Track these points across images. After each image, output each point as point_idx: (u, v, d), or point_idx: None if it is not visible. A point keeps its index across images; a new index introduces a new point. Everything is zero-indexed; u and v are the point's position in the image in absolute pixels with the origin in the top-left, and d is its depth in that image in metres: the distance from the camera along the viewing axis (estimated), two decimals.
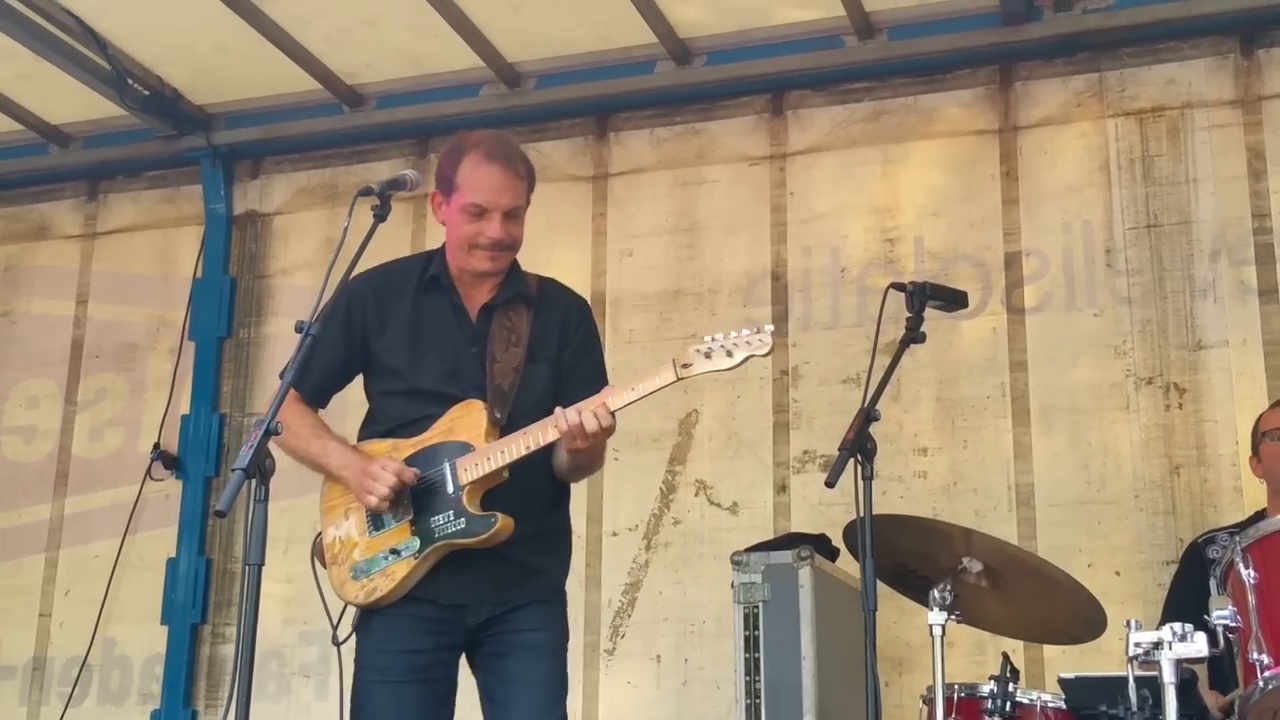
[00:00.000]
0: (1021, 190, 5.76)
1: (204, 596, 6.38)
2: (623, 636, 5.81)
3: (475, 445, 3.57)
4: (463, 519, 3.53)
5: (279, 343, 6.58)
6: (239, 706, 2.96)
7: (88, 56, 6.09)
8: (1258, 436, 4.64)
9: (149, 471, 6.57)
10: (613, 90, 6.27)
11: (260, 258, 6.80)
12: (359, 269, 3.49)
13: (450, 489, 3.55)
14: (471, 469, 3.55)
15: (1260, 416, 4.71)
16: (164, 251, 6.96)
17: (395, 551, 3.56)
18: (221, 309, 6.72)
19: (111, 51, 6.12)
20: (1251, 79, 5.57)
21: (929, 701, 3.74)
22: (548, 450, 3.63)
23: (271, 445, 3.37)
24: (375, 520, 3.60)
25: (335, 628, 3.61)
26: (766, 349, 3.46)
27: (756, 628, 4.55)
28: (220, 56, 6.22)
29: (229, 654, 6.21)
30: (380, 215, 3.48)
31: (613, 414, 3.50)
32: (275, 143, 6.76)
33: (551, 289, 3.92)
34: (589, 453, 3.60)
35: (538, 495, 3.69)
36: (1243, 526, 4.29)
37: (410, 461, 3.59)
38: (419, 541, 3.55)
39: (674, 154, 6.30)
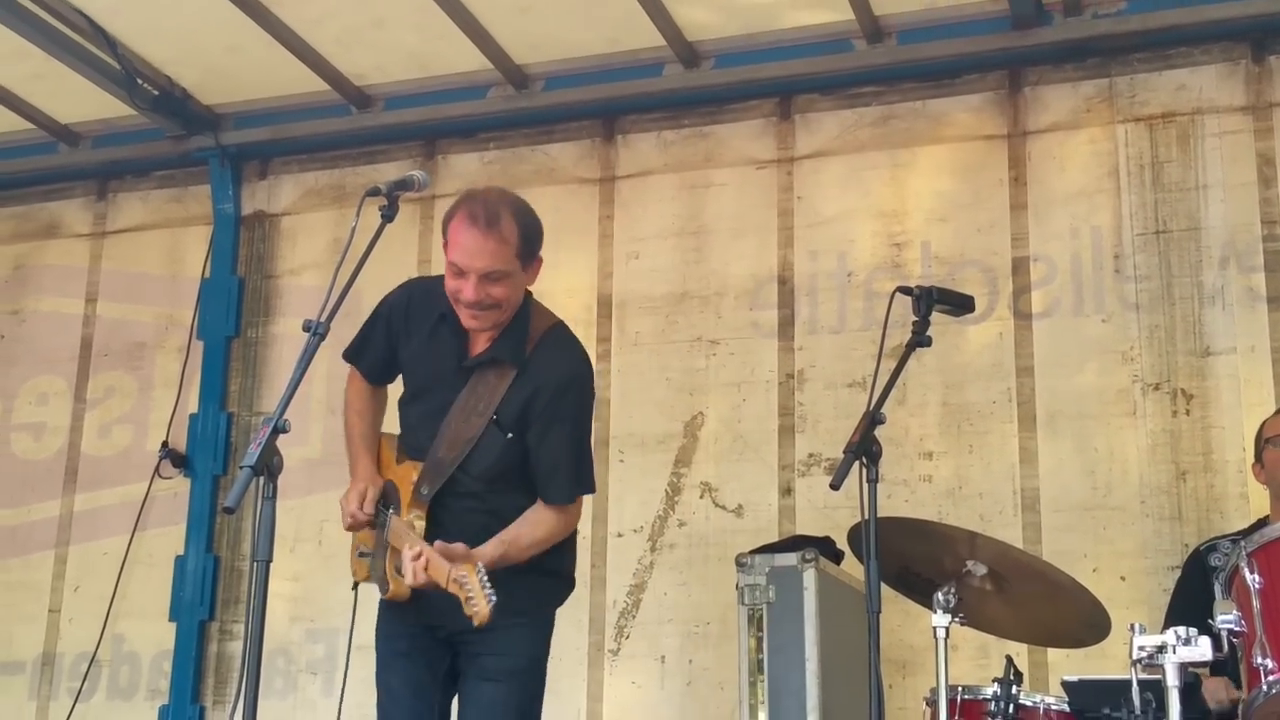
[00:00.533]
0: (1030, 195, 5.76)
1: (212, 594, 6.41)
2: (627, 637, 5.82)
3: (399, 508, 3.82)
4: (380, 565, 3.83)
5: (286, 342, 6.60)
6: (246, 702, 2.98)
7: (98, 56, 6.11)
8: (1261, 443, 4.64)
9: (157, 469, 6.59)
10: (620, 93, 6.27)
11: (268, 258, 6.82)
12: (366, 269, 3.50)
13: (384, 533, 3.82)
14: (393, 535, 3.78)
15: (1264, 423, 4.70)
16: (172, 251, 6.98)
17: (365, 554, 3.91)
18: (229, 309, 6.74)
19: (121, 51, 6.13)
20: (1263, 85, 5.57)
21: (932, 703, 3.75)
22: (520, 485, 3.80)
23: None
24: (378, 515, 3.86)
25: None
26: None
27: (761, 629, 4.56)
28: (230, 57, 6.24)
29: (237, 650, 6.23)
30: (388, 216, 3.51)
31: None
32: (283, 143, 6.77)
33: (546, 354, 3.88)
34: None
35: (504, 522, 3.78)
36: (1245, 534, 4.30)
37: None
38: (372, 555, 3.87)
39: (681, 157, 6.30)
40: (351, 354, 4.07)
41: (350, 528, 3.85)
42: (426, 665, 3.84)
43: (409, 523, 3.73)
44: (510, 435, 3.76)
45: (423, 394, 3.90)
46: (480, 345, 3.84)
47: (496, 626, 3.56)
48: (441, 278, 3.83)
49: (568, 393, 3.85)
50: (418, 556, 3.52)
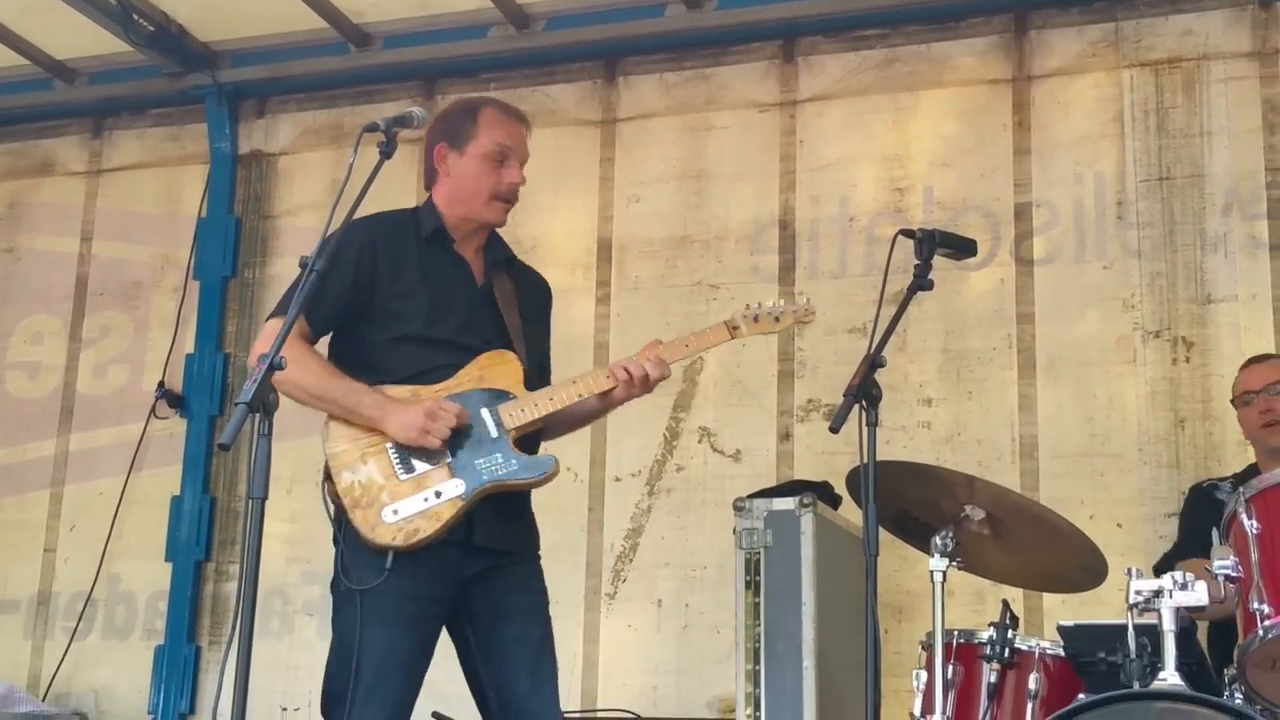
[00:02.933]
0: (1033, 141, 5.72)
1: (208, 534, 6.41)
2: (624, 581, 5.83)
3: (514, 393, 3.64)
4: (514, 461, 3.59)
5: (283, 283, 6.46)
6: (242, 643, 2.96)
7: None
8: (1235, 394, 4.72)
9: (153, 410, 6.58)
10: (622, 33, 6.22)
11: (265, 198, 6.78)
12: (364, 207, 3.46)
13: (494, 433, 3.59)
14: (518, 414, 3.61)
15: (1235, 379, 4.75)
16: (169, 190, 6.94)
17: (438, 493, 3.54)
18: (226, 249, 6.71)
19: None
20: (1269, 31, 5.52)
21: (928, 647, 3.75)
22: None
23: (280, 384, 3.34)
24: (405, 463, 3.57)
25: (341, 568, 3.55)
26: (810, 318, 3.85)
27: (758, 573, 4.56)
28: None
29: (232, 591, 6.24)
30: (386, 152, 3.44)
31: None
32: (281, 82, 6.72)
33: (520, 263, 4.01)
34: (616, 406, 3.79)
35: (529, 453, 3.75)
36: (1240, 478, 4.31)
37: None
38: (464, 483, 3.55)
39: (683, 99, 6.25)
40: (301, 311, 3.36)
41: (446, 438, 3.54)
42: (434, 633, 3.64)
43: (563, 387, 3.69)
44: (538, 329, 3.89)
45: (445, 313, 3.71)
46: (473, 256, 3.82)
47: (526, 561, 3.74)
48: (377, 214, 3.77)
49: (551, 300, 4.05)
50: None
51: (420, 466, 3.57)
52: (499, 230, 3.90)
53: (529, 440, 3.72)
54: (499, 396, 3.64)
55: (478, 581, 3.63)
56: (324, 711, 3.55)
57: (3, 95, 7.02)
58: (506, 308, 3.79)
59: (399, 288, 3.72)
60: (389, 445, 3.58)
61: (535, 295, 3.95)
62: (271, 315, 3.74)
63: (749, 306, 3.77)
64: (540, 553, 3.82)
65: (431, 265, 3.74)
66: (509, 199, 3.80)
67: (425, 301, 3.70)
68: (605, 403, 3.76)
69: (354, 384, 3.64)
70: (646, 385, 3.68)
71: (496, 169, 3.76)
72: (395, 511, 3.53)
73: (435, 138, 3.85)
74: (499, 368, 3.67)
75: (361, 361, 3.72)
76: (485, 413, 3.61)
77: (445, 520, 3.52)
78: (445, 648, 3.67)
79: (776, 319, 3.77)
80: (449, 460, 3.57)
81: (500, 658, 3.64)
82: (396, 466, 3.57)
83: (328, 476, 3.63)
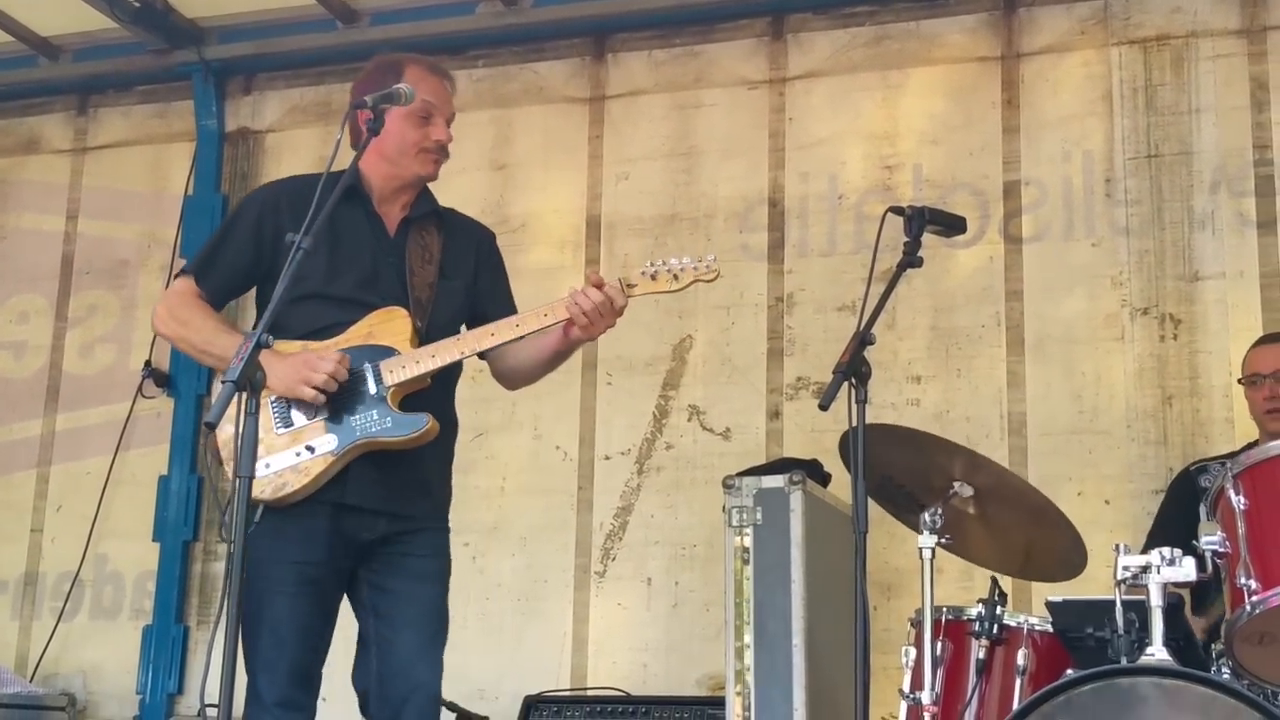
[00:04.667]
0: (1022, 119, 5.72)
1: (195, 514, 6.40)
2: (614, 559, 5.83)
3: (399, 350, 3.61)
4: (389, 418, 3.57)
5: None
6: (230, 622, 2.95)
7: None
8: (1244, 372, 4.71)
9: (140, 389, 6.56)
10: (611, 10, 6.21)
11: (252, 175, 6.73)
12: None
13: (373, 389, 3.58)
14: (399, 371, 3.59)
15: (1244, 358, 4.74)
16: (155, 167, 6.90)
17: (310, 448, 3.55)
18: (213, 227, 6.53)
19: None
20: (1257, 8, 5.52)
21: (917, 624, 3.76)
22: (452, 372, 3.76)
23: (163, 336, 3.64)
24: (283, 417, 3.58)
25: (223, 521, 3.31)
26: (712, 276, 3.68)
27: (747, 552, 4.55)
28: None
29: (220, 571, 6.22)
30: (374, 129, 3.45)
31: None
32: (268, 58, 6.69)
33: (458, 216, 4.00)
34: (580, 343, 3.73)
35: (443, 413, 3.73)
36: (1234, 456, 4.31)
37: None
38: (336, 439, 3.55)
39: (672, 76, 6.24)
40: (197, 267, 3.73)
41: (323, 387, 3.49)
42: (329, 597, 3.63)
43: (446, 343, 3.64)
44: (458, 283, 3.82)
45: (346, 270, 3.69)
46: (396, 214, 3.80)
47: (429, 528, 3.73)
48: (290, 177, 3.86)
49: (497, 248, 4.03)
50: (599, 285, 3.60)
51: (298, 421, 3.58)
52: (431, 186, 3.89)
53: (436, 400, 3.68)
54: (383, 353, 3.62)
55: (377, 545, 3.65)
56: None
57: None
58: (421, 263, 3.76)
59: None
60: (271, 399, 3.56)
61: (466, 247, 3.91)
62: (180, 274, 3.80)
63: (650, 264, 3.69)
64: (448, 524, 3.82)
65: (341, 222, 3.67)
66: (437, 151, 3.79)
67: (325, 259, 3.67)
68: (568, 343, 3.72)
69: (237, 337, 3.58)
70: (612, 313, 3.63)
71: (422, 125, 3.76)
72: (267, 465, 3.52)
73: (358, 95, 3.74)
74: (388, 324, 3.65)
75: (271, 325, 3.72)
76: (368, 369, 3.59)
77: (313, 475, 3.53)
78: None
79: (675, 276, 3.66)
80: (325, 416, 3.56)
81: (391, 618, 3.64)
82: (275, 420, 3.58)
83: (211, 431, 3.60)
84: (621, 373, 5.91)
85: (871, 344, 3.56)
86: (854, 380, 3.49)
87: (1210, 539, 3.28)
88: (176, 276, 3.81)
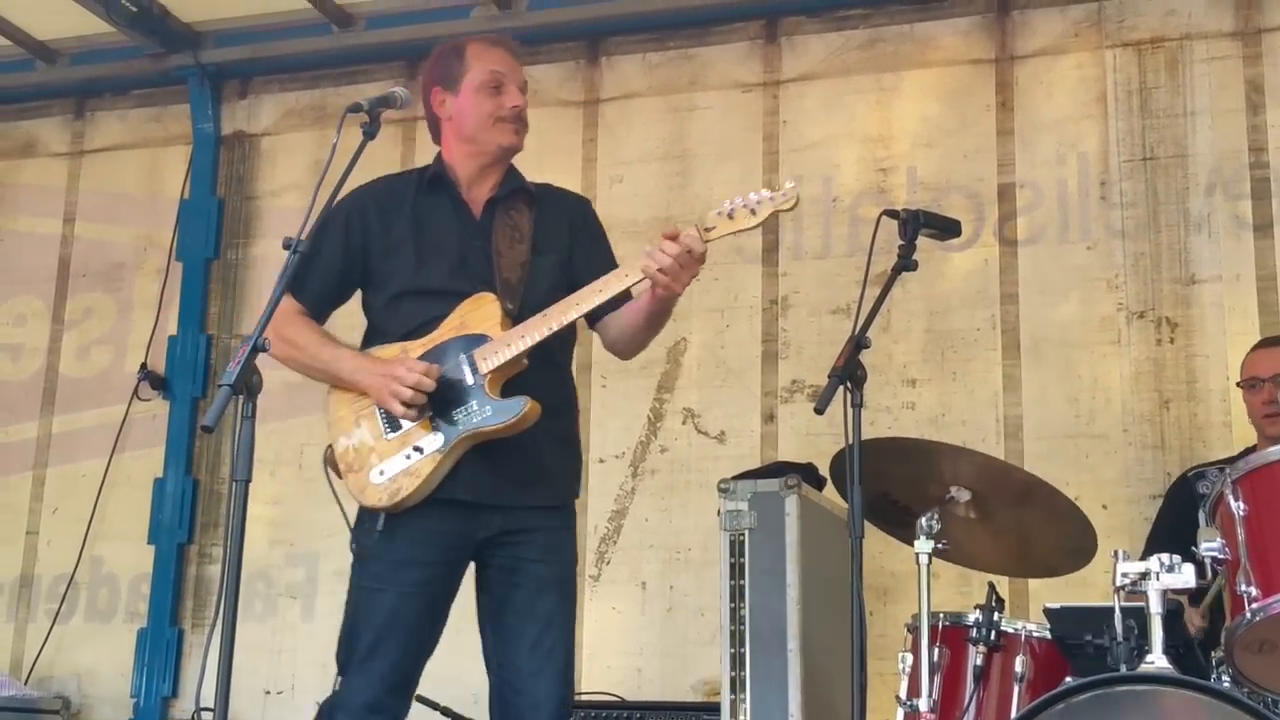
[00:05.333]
0: (1017, 121, 5.72)
1: (190, 517, 6.39)
2: (608, 563, 5.83)
3: (491, 336, 3.53)
4: (488, 406, 3.48)
5: (266, 264, 6.54)
6: (225, 626, 2.95)
7: None
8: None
9: (136, 391, 6.55)
10: (605, 13, 6.21)
11: (248, 179, 6.74)
12: (347, 188, 3.45)
13: (470, 380, 3.50)
14: (491, 357, 3.50)
15: (1243, 361, 4.74)
16: (151, 171, 6.90)
17: (418, 449, 3.48)
18: (209, 230, 6.67)
19: None
20: (1252, 11, 5.52)
21: (914, 630, 3.76)
22: (562, 349, 3.67)
23: (277, 359, 3.44)
24: (391, 422, 3.53)
25: (352, 531, 3.54)
26: (791, 203, 3.43)
27: (742, 555, 4.55)
28: None
29: (215, 574, 6.22)
30: (369, 133, 3.42)
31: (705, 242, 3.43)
32: (264, 62, 6.68)
33: (551, 189, 3.91)
34: (674, 299, 3.52)
35: (551, 392, 3.62)
36: (1232, 461, 4.31)
37: (422, 359, 3.53)
38: (443, 436, 3.49)
39: (666, 79, 6.24)
40: (292, 283, 3.37)
41: (411, 401, 3.45)
42: (441, 597, 3.55)
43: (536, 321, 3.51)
44: (551, 258, 3.70)
45: (433, 260, 3.64)
46: (483, 195, 3.73)
47: (545, 527, 3.59)
48: (383, 177, 3.80)
49: (593, 213, 3.93)
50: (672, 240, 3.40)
51: (406, 424, 3.52)
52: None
53: (544, 379, 3.58)
54: (476, 341, 3.54)
55: (495, 545, 3.56)
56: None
57: None
58: (509, 243, 3.67)
59: (389, 244, 3.69)
60: (377, 406, 3.54)
61: (559, 220, 3.80)
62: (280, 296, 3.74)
63: (727, 202, 3.46)
64: (573, 512, 3.71)
65: (425, 214, 3.69)
66: (515, 119, 3.73)
67: (412, 253, 3.66)
68: (661, 301, 3.52)
69: (339, 350, 3.63)
70: (692, 263, 3.42)
71: (494, 96, 3.71)
72: (382, 472, 3.50)
73: (429, 86, 3.80)
74: (477, 311, 3.58)
75: (372, 327, 3.73)
76: (463, 359, 3.53)
77: (425, 476, 3.47)
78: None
79: (753, 211, 3.43)
80: (429, 414, 3.51)
81: (506, 630, 3.56)
82: (384, 426, 3.54)
83: (330, 445, 3.62)
84: (616, 375, 5.90)
85: (867, 347, 3.55)
86: (849, 384, 3.48)
87: (1209, 545, 3.26)
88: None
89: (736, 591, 4.52)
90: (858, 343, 3.52)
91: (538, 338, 3.51)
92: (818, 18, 6.05)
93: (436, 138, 3.83)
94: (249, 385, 3.03)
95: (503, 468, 3.53)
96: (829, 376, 3.47)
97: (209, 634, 3.01)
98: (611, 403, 5.92)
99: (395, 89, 3.51)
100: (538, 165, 5.76)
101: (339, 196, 3.41)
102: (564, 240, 3.77)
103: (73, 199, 7.00)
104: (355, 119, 3.42)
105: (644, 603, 5.73)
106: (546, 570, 3.59)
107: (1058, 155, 5.64)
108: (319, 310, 3.74)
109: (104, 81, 6.96)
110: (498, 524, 3.55)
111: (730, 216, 3.43)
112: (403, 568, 3.50)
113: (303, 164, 6.59)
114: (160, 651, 6.26)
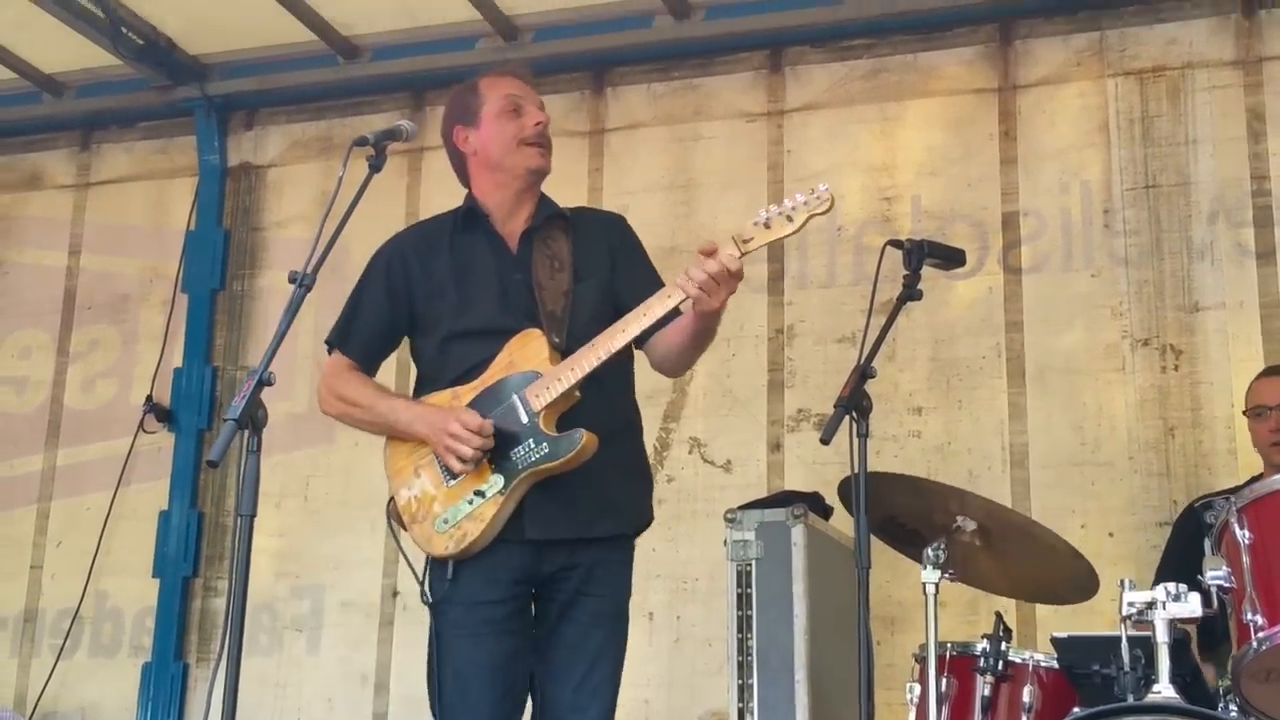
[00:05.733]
0: (1020, 150, 5.73)
1: (196, 550, 6.38)
2: None
3: (541, 372, 3.49)
4: (545, 444, 3.44)
5: (272, 296, 6.55)
6: (230, 659, 2.94)
7: (82, 4, 6.03)
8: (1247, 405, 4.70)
9: (141, 424, 6.55)
10: (610, 44, 6.23)
11: (254, 210, 6.76)
12: (353, 221, 3.44)
13: (525, 419, 3.47)
14: (543, 394, 3.46)
15: (1248, 389, 4.74)
16: (157, 203, 6.92)
17: (480, 493, 3.46)
18: (215, 261, 6.69)
19: None
20: (1253, 40, 5.54)
21: (921, 659, 3.74)
22: (616, 374, 3.61)
23: (330, 416, 3.59)
24: (450, 469, 3.51)
25: (422, 585, 3.53)
26: (826, 205, 3.39)
27: (749, 585, 4.54)
28: (215, 6, 6.17)
29: (220, 607, 6.21)
30: (375, 166, 3.43)
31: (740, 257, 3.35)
32: (270, 94, 6.71)
33: (586, 211, 3.91)
34: (716, 315, 3.46)
35: (610, 419, 3.58)
36: (1238, 490, 4.30)
37: (474, 404, 3.51)
38: (503, 478, 3.46)
39: (671, 110, 6.26)
40: (338, 336, 3.70)
41: (471, 459, 3.43)
42: (518, 636, 3.52)
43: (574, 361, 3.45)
44: (593, 282, 3.66)
45: (476, 300, 3.62)
46: (519, 227, 3.70)
47: (606, 560, 3.57)
48: (418, 222, 3.80)
49: (630, 231, 3.87)
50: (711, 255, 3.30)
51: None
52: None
53: (600, 408, 3.52)
54: (527, 380, 3.49)
55: (557, 579, 3.54)
56: None
57: None
58: (550, 273, 3.64)
59: (431, 288, 3.68)
60: (435, 454, 3.54)
61: (598, 242, 3.75)
62: (332, 349, 3.76)
63: (762, 212, 3.39)
64: (633, 544, 3.69)
65: (463, 254, 3.67)
66: (538, 141, 3.71)
67: (455, 293, 3.64)
68: (702, 318, 3.46)
69: (394, 401, 3.64)
70: (729, 280, 3.34)
71: (515, 118, 3.71)
72: (446, 520, 3.48)
73: (450, 126, 3.80)
74: (525, 349, 3.54)
75: (424, 374, 3.72)
76: (516, 399, 3.49)
77: (489, 519, 3.45)
78: None
79: (789, 218, 3.37)
80: (487, 458, 3.48)
81: (554, 664, 3.55)
82: (443, 474, 3.52)
83: (392, 498, 3.60)
84: None
85: (872, 377, 3.54)
86: (855, 414, 3.47)
87: (1215, 573, 3.26)
88: (331, 353, 3.75)
89: (744, 622, 4.50)
90: (863, 372, 3.52)
91: (587, 369, 3.46)
92: (821, 48, 6.07)
93: (465, 179, 3.80)
94: (254, 420, 3.04)
95: (568, 503, 3.50)
96: (834, 407, 3.46)
97: (214, 668, 3.01)
98: None
99: (401, 122, 3.53)
100: None
101: (343, 232, 3.39)
102: (604, 262, 3.73)
103: (78, 231, 7.02)
104: (361, 151, 3.43)
105: (651, 633, 5.70)
106: (601, 605, 3.58)
107: (1061, 183, 5.65)
108: (369, 363, 3.74)
109: (110, 114, 6.99)
110: (562, 558, 3.53)
111: (767, 226, 3.40)
112: (476, 608, 3.48)
113: (309, 195, 6.61)
114: (165, 686, 6.24)
